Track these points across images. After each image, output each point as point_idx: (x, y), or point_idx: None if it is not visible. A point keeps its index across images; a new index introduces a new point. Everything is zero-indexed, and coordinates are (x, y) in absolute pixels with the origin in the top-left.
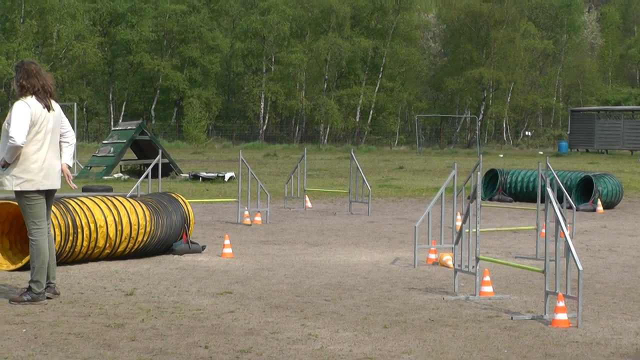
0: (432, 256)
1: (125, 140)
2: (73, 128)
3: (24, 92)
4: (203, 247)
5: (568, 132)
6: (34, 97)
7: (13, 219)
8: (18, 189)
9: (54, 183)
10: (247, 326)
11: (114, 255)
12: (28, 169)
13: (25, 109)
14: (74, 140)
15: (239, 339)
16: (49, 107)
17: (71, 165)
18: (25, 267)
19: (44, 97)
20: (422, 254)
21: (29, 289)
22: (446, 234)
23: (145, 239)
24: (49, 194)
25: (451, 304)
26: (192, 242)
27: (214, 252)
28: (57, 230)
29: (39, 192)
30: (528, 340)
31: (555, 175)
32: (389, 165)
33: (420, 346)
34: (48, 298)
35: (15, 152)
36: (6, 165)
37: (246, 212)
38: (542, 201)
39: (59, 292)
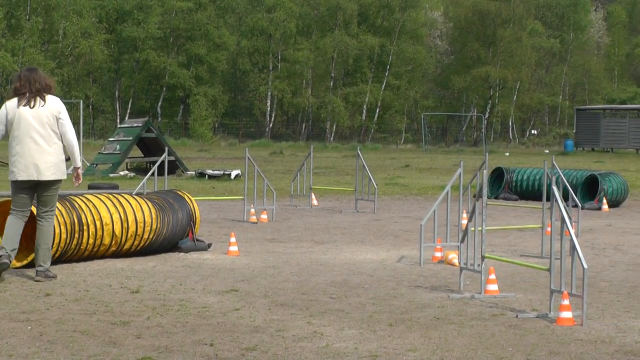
0: (438, 254)
1: (131, 138)
2: (79, 125)
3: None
4: (209, 245)
5: (574, 131)
6: (16, 98)
7: None
8: (10, 178)
9: (34, 174)
10: (252, 324)
11: (120, 253)
12: (13, 162)
13: (2, 109)
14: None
15: (244, 336)
16: (29, 106)
17: (79, 166)
18: (30, 264)
19: (29, 97)
20: (427, 252)
21: None
22: (452, 232)
23: (151, 236)
24: (38, 186)
25: (456, 302)
26: (198, 240)
27: (220, 250)
28: (62, 227)
29: (20, 182)
30: (533, 338)
31: (561, 174)
32: (395, 163)
33: (426, 344)
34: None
35: None
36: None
37: (252, 210)
38: (548, 199)
39: (51, 276)
